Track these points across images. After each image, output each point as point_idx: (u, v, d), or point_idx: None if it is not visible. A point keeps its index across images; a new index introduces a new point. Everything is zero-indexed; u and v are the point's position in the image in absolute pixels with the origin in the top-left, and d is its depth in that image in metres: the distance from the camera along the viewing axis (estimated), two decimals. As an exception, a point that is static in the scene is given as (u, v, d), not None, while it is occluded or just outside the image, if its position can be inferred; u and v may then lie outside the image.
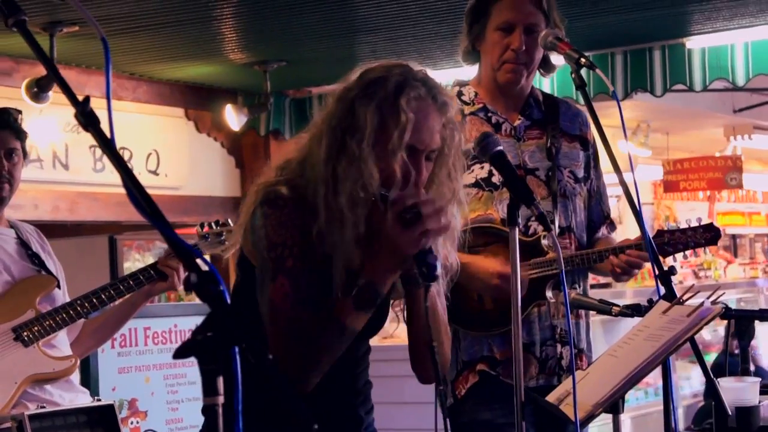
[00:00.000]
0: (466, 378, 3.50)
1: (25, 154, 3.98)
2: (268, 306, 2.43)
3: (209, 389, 1.53)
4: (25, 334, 3.81)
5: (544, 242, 3.46)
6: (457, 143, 2.52)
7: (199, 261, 1.59)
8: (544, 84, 6.74)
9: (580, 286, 3.59)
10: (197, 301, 1.57)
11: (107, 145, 1.67)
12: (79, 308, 3.87)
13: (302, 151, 2.54)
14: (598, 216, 3.75)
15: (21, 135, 3.96)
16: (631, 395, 8.58)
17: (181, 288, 4.05)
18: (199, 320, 1.54)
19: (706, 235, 3.52)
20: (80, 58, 6.74)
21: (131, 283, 3.94)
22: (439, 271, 2.37)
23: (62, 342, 3.97)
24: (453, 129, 2.50)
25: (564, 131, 3.67)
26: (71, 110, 1.74)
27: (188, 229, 9.68)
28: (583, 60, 3.22)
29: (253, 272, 2.52)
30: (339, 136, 2.44)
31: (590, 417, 2.49)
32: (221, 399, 1.53)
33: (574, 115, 3.74)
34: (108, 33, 1.77)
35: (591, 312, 3.50)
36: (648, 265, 3.41)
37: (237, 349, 1.52)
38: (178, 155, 7.72)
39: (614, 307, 3.12)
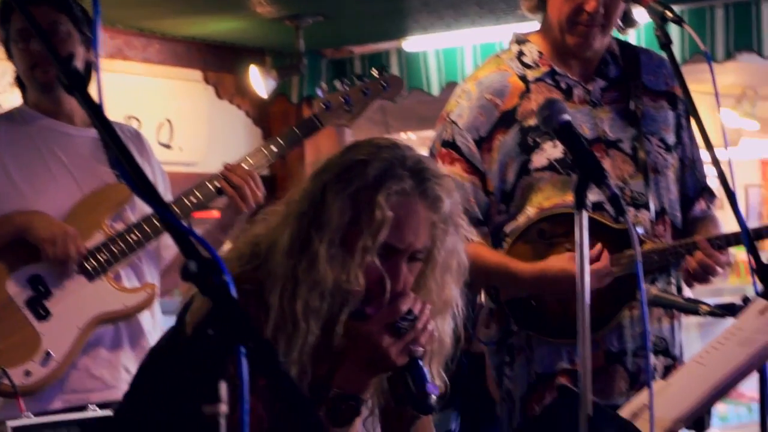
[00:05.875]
0: (542, 394, 3.48)
1: (82, 34, 3.63)
2: None
3: (209, 395, 1.53)
4: (90, 264, 3.62)
5: (640, 231, 3.43)
6: (450, 245, 2.46)
7: (199, 246, 1.59)
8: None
9: (675, 280, 3.55)
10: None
11: (95, 112, 1.68)
12: (156, 222, 3.62)
13: (272, 233, 2.46)
14: (694, 189, 3.68)
15: (64, 6, 3.64)
16: (731, 411, 8.51)
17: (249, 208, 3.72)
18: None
19: None
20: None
21: (210, 187, 3.74)
22: (433, 401, 2.34)
23: (147, 270, 3.79)
24: (446, 229, 2.43)
25: (647, 87, 3.59)
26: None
27: (206, 212, 9.65)
28: (668, 14, 3.19)
29: None
30: (304, 228, 2.38)
31: (670, 435, 2.49)
32: (224, 407, 1.54)
33: (658, 66, 3.66)
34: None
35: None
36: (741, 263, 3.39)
37: (243, 350, 1.52)
38: (194, 126, 7.72)
39: (702, 306, 3.09)
